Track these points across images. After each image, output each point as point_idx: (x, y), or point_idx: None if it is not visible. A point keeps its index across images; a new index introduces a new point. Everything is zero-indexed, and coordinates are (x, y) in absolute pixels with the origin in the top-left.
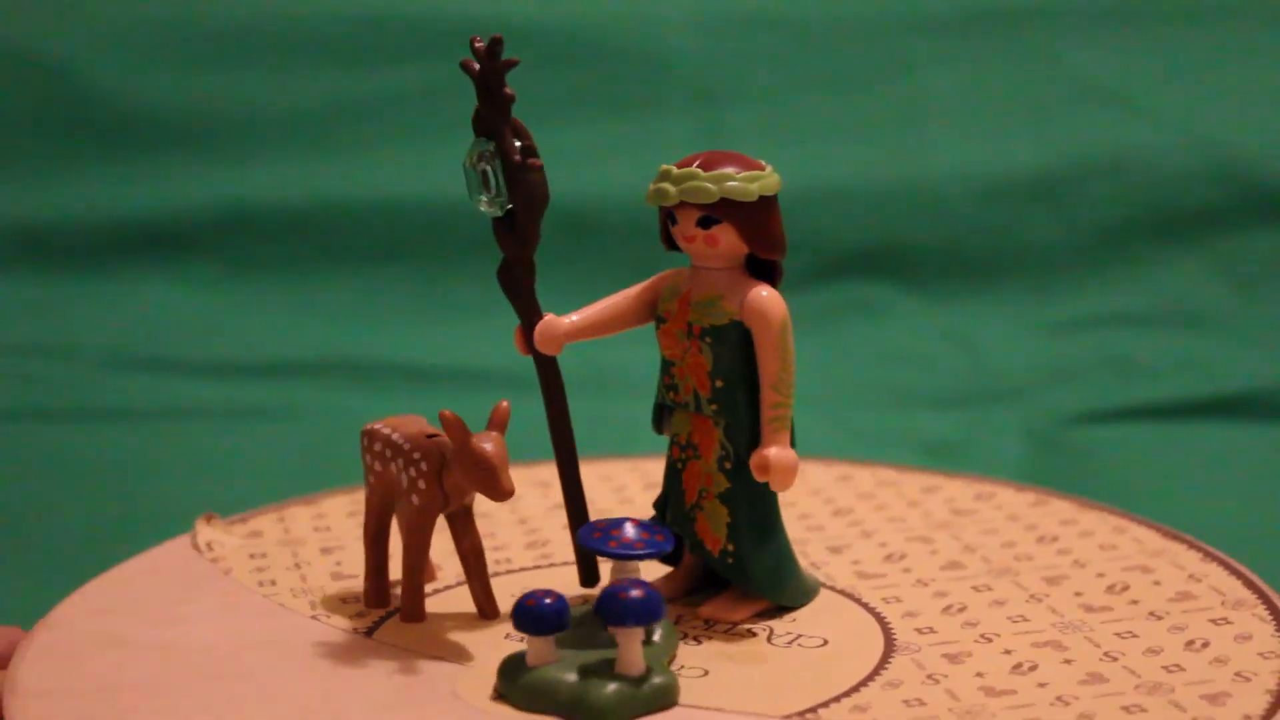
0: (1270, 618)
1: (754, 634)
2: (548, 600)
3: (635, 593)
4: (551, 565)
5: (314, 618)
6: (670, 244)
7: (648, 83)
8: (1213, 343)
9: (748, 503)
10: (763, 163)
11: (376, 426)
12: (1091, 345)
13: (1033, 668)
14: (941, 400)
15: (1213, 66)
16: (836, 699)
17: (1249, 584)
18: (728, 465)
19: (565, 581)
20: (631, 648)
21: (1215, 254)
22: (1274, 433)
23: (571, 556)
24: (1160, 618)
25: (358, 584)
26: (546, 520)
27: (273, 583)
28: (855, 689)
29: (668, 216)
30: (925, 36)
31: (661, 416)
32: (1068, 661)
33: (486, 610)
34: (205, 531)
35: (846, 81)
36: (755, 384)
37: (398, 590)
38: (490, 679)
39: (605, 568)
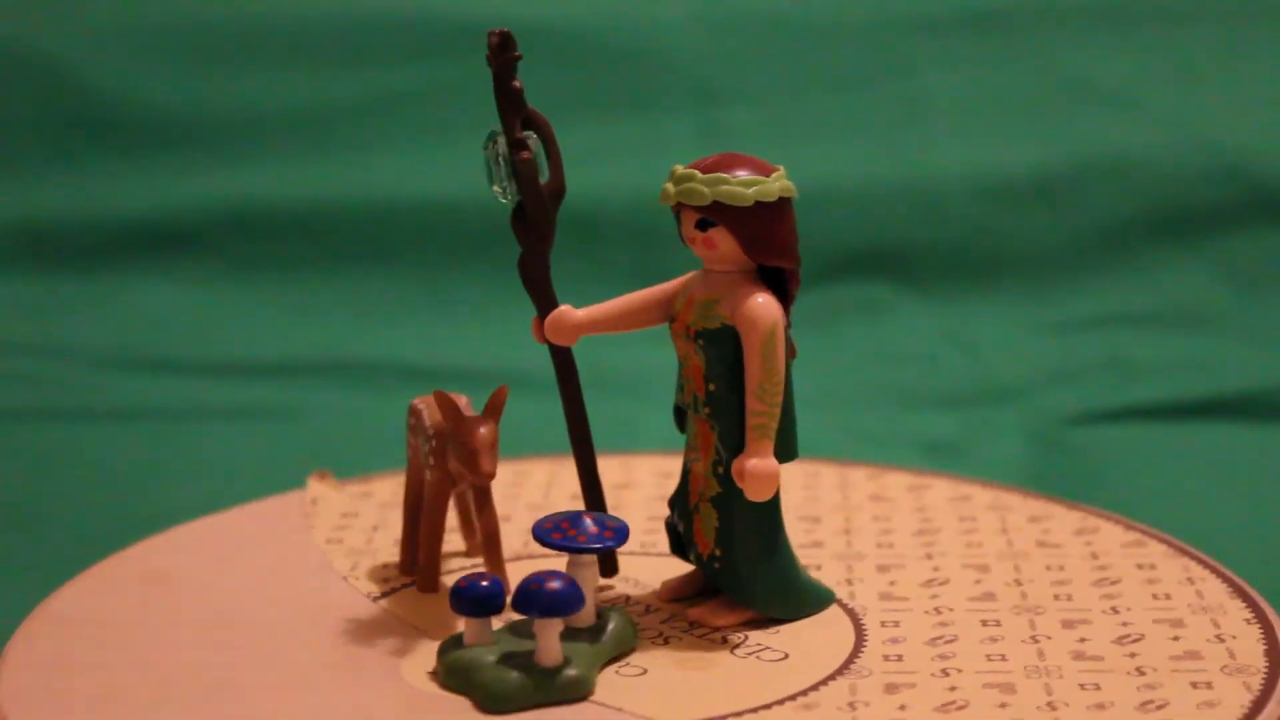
0: (1260, 687)
1: (726, 641)
2: (482, 583)
3: (550, 584)
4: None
5: (344, 578)
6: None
7: (648, 83)
8: (1213, 343)
9: (738, 509)
10: (775, 168)
11: (416, 401)
12: (1091, 345)
13: (962, 707)
14: (941, 400)
15: (1213, 66)
16: (740, 713)
17: (1271, 650)
18: (720, 470)
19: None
20: (548, 638)
21: (1215, 254)
22: (1274, 433)
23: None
24: (1143, 674)
25: None
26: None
27: (340, 541)
28: (768, 706)
29: (676, 216)
30: (925, 36)
31: (681, 416)
32: (1003, 705)
33: None
34: (315, 488)
35: (846, 81)
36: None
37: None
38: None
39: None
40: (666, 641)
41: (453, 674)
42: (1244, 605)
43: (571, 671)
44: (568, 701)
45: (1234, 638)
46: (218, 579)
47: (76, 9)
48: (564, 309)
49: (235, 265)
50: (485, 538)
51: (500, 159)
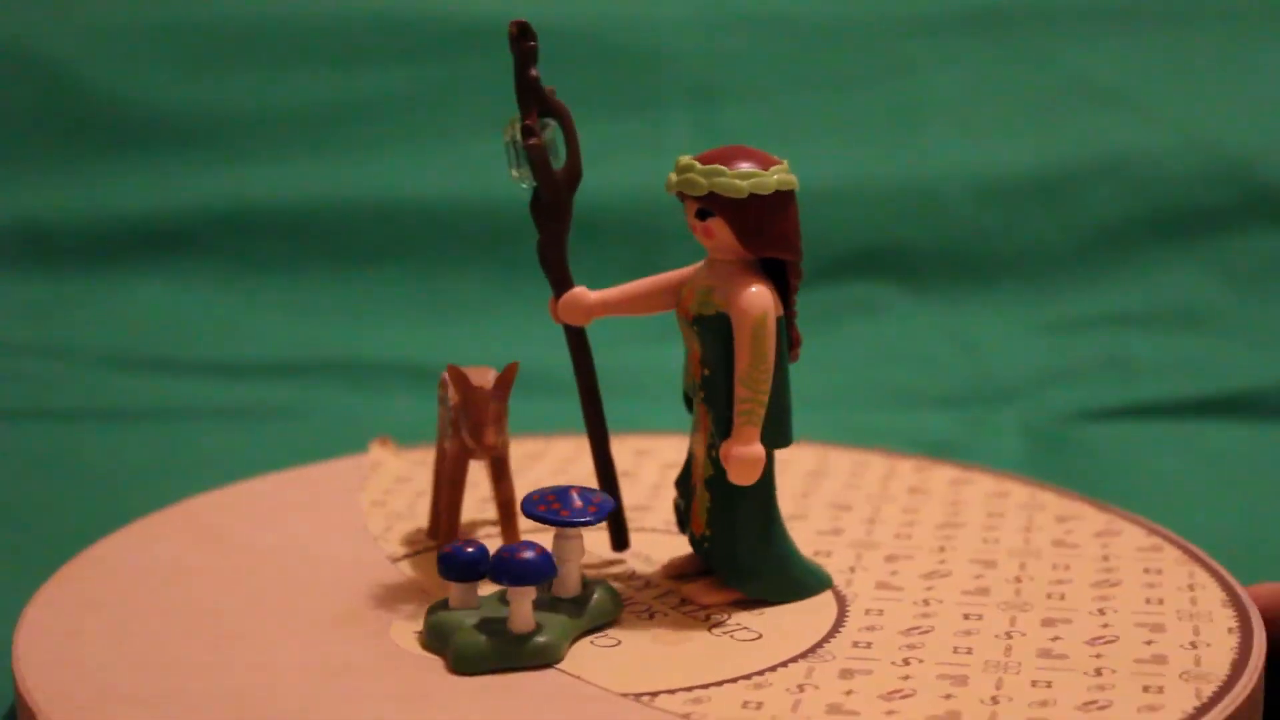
0: (1210, 694)
1: (708, 619)
2: (467, 549)
3: (523, 554)
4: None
5: (376, 539)
6: None
7: (647, 83)
8: (1213, 343)
9: (731, 492)
10: (777, 161)
11: (444, 373)
12: (1091, 345)
13: (907, 696)
14: (941, 400)
15: (1213, 67)
16: (690, 688)
17: (1239, 661)
18: (713, 453)
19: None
20: (520, 605)
21: (1215, 254)
22: (1274, 433)
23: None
24: (1100, 675)
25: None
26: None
27: (383, 504)
28: (719, 683)
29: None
30: (925, 36)
31: (689, 401)
32: (948, 696)
33: None
34: (376, 452)
35: (846, 81)
36: None
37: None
38: None
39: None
40: (651, 616)
41: (432, 634)
42: (1234, 614)
43: (541, 639)
44: (534, 667)
45: (1207, 645)
46: (263, 537)
47: (76, 9)
48: (579, 290)
49: (235, 265)
50: (501, 507)
51: (515, 145)
